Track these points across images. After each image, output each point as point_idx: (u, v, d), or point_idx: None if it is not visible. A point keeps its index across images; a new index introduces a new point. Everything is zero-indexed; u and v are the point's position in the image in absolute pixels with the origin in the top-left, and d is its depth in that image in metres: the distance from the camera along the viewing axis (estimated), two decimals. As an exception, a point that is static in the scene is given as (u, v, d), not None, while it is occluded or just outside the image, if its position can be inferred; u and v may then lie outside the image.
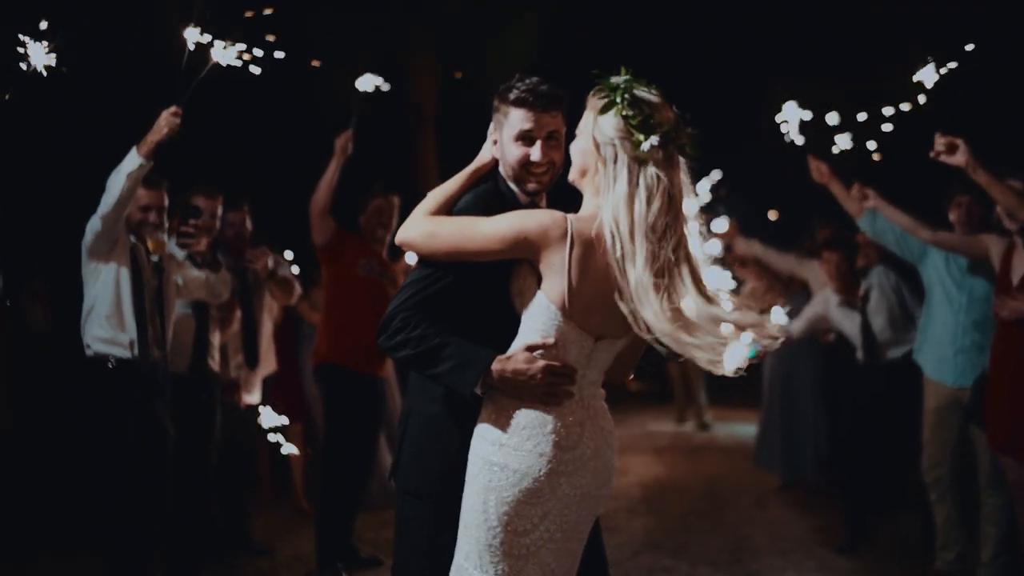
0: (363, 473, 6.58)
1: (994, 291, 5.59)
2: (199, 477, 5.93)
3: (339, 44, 9.49)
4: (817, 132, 6.01)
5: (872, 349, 6.90)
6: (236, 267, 6.40)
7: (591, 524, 3.23)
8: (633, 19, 13.24)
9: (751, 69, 12.59)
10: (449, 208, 3.31)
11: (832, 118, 5.86)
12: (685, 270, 3.03)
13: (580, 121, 3.20)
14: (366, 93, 6.30)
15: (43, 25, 4.27)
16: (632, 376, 3.46)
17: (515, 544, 3.04)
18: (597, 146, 3.09)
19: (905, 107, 5.17)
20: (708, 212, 9.71)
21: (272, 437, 5.67)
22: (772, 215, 9.48)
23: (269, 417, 6.63)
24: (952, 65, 4.99)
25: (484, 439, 3.10)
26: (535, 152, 3.31)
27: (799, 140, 6.06)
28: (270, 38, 4.87)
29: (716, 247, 9.86)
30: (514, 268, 3.18)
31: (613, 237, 3.00)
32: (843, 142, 5.93)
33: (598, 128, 3.08)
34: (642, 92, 3.08)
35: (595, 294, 3.05)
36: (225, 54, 4.65)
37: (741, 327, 3.02)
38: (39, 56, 4.27)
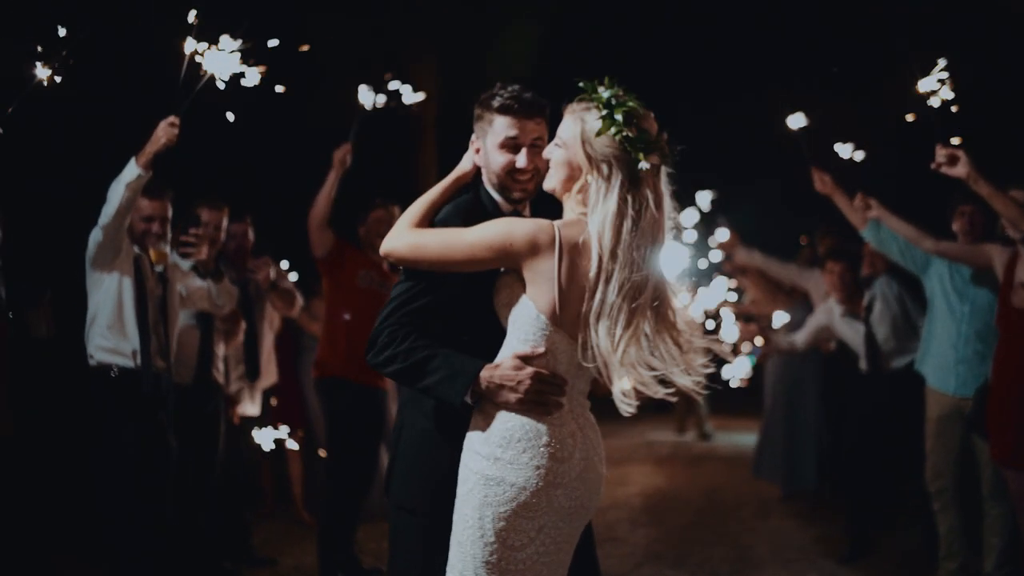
0: (364, 484, 6.58)
1: (997, 300, 5.59)
2: (201, 488, 5.92)
3: (338, 54, 9.49)
4: (820, 142, 6.01)
5: (876, 359, 6.90)
6: (238, 278, 6.40)
7: (579, 534, 3.19)
8: (633, 27, 13.25)
9: (752, 76, 12.59)
10: (432, 218, 3.30)
11: (836, 128, 5.86)
12: (653, 303, 3.04)
13: (562, 129, 3.16)
14: (364, 107, 6.30)
15: (47, 36, 4.28)
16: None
17: (511, 559, 3.01)
18: (590, 159, 3.06)
19: (909, 118, 5.16)
20: (709, 222, 9.83)
21: (268, 440, 5.69)
22: (803, 240, 9.51)
23: (265, 438, 6.63)
24: (948, 77, 4.98)
25: (477, 453, 3.06)
26: (521, 159, 3.30)
27: (806, 150, 6.05)
28: (271, 48, 4.87)
29: (716, 256, 9.96)
30: (499, 278, 3.16)
31: (598, 254, 3.00)
32: (845, 152, 5.93)
33: (592, 143, 3.05)
34: (634, 106, 3.06)
35: (580, 301, 3.02)
36: (221, 65, 4.66)
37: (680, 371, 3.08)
38: (43, 68, 4.27)
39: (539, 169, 3.32)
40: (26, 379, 5.20)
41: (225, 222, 6.12)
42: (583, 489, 3.08)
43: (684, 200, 9.94)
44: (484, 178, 3.42)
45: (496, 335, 3.16)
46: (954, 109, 4.89)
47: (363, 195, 6.83)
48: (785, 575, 6.71)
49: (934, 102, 4.95)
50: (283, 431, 6.88)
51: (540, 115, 3.34)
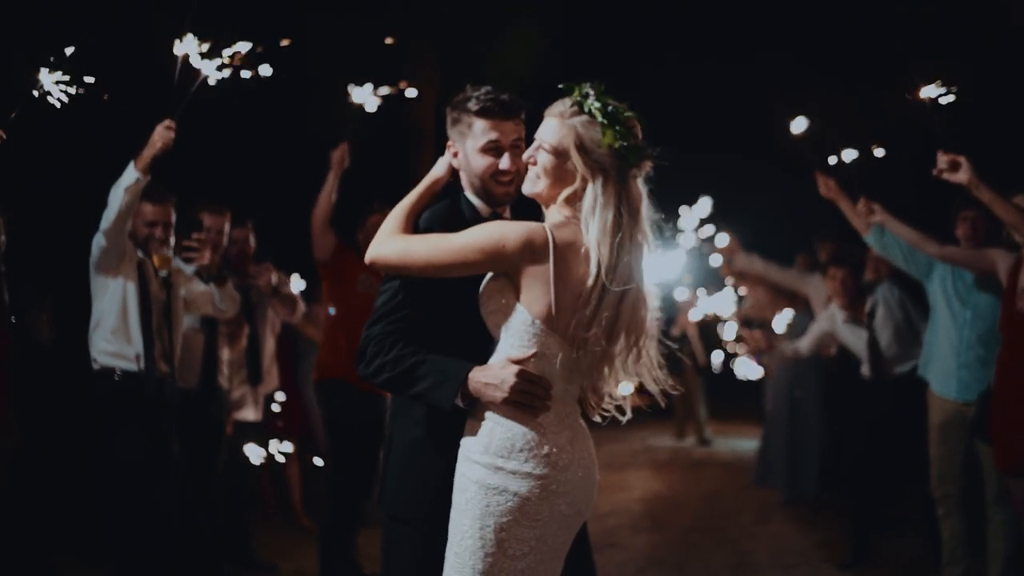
0: (365, 488, 6.55)
1: (1000, 305, 5.58)
2: (203, 492, 5.91)
3: (338, 56, 9.48)
4: (823, 146, 6.00)
5: (879, 365, 6.89)
6: (239, 283, 6.39)
7: (572, 540, 3.18)
8: (633, 32, 13.25)
9: (753, 80, 12.59)
10: (414, 225, 3.26)
11: (838, 132, 5.86)
12: (640, 309, 3.08)
13: (548, 134, 3.12)
14: (361, 107, 6.30)
15: (49, 41, 4.28)
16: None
17: (511, 569, 2.99)
18: (589, 168, 3.04)
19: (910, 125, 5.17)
20: (708, 228, 9.82)
21: (257, 456, 5.68)
22: (800, 261, 9.50)
23: (255, 454, 6.62)
24: (946, 88, 4.99)
25: (476, 463, 3.02)
26: (504, 161, 3.28)
27: (813, 155, 6.04)
28: (265, 66, 4.89)
29: (717, 260, 9.95)
30: (485, 285, 3.12)
31: (597, 262, 2.99)
32: (848, 156, 5.92)
33: (591, 152, 3.04)
34: (631, 114, 3.07)
35: (573, 305, 3.01)
36: (215, 67, 4.67)
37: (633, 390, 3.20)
38: (47, 75, 4.27)
39: (519, 170, 3.31)
40: (28, 384, 5.22)
41: (227, 226, 6.13)
42: (581, 496, 3.08)
43: (686, 203, 10.01)
44: (464, 182, 3.39)
45: (483, 339, 3.13)
46: (956, 114, 4.89)
47: (364, 199, 6.82)
48: (786, 580, 6.71)
49: (936, 107, 4.95)
50: (274, 446, 6.85)
51: (518, 116, 3.32)
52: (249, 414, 6.75)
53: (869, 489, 7.12)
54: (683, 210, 9.88)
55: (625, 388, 3.21)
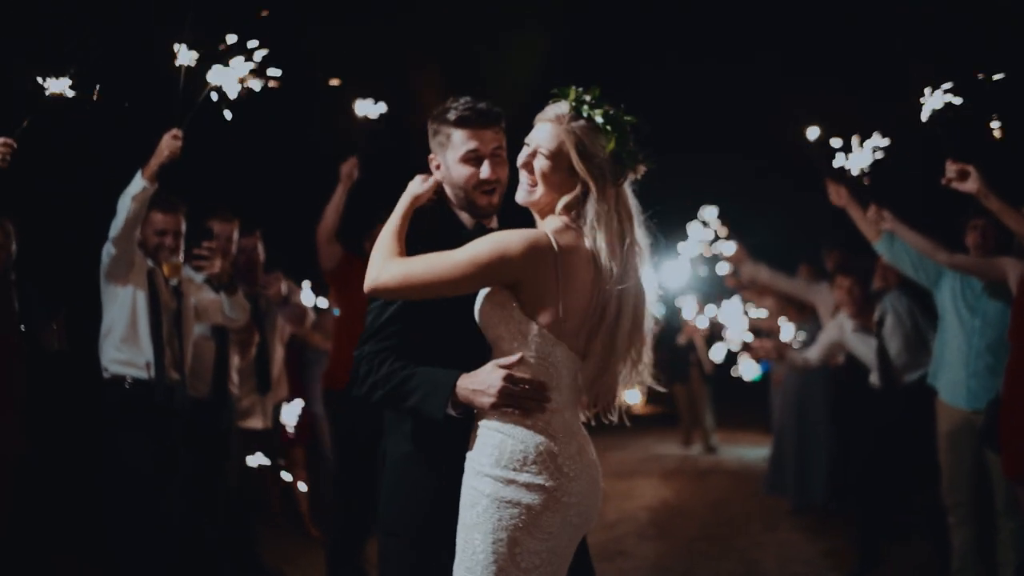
0: (373, 498, 6.54)
1: (1011, 314, 5.56)
2: (212, 499, 5.91)
3: (342, 66, 9.50)
4: (832, 153, 5.99)
5: (888, 373, 6.87)
6: (248, 292, 6.40)
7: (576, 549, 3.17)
8: (635, 40, 13.26)
9: (753, 80, 12.59)
10: (403, 246, 3.18)
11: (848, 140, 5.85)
12: (639, 315, 3.08)
13: (544, 140, 3.08)
14: (368, 119, 6.31)
15: (58, 48, 4.30)
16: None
17: None
18: (592, 176, 3.01)
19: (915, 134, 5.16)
20: (715, 236, 9.82)
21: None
22: (803, 271, 9.51)
23: (261, 461, 6.62)
24: (955, 94, 4.98)
25: (487, 476, 2.97)
26: (485, 170, 3.26)
27: (829, 163, 6.03)
28: (275, 71, 4.89)
29: (723, 269, 9.95)
30: (484, 300, 3.06)
31: (606, 270, 2.98)
32: (857, 164, 5.91)
33: (588, 154, 3.01)
34: (630, 119, 3.05)
35: (579, 311, 3.00)
36: (224, 77, 4.69)
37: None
38: (58, 82, 4.29)
39: (500, 179, 3.29)
40: (37, 392, 5.25)
41: (236, 234, 6.14)
42: (590, 505, 3.06)
43: (691, 214, 10.01)
44: (449, 194, 3.36)
45: (479, 348, 3.08)
46: (965, 124, 4.89)
47: (370, 208, 6.82)
48: (795, 589, 6.70)
49: (943, 116, 4.95)
50: (264, 459, 6.85)
51: (496, 124, 3.30)
52: (257, 423, 6.75)
53: (877, 498, 7.10)
54: (688, 217, 9.89)
55: (632, 396, 3.20)
